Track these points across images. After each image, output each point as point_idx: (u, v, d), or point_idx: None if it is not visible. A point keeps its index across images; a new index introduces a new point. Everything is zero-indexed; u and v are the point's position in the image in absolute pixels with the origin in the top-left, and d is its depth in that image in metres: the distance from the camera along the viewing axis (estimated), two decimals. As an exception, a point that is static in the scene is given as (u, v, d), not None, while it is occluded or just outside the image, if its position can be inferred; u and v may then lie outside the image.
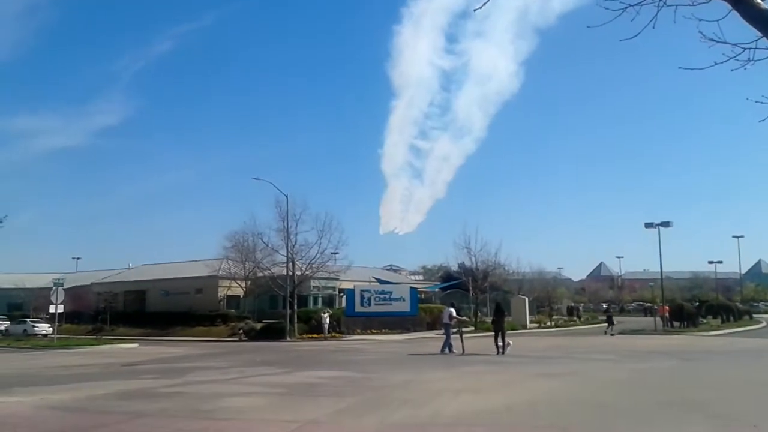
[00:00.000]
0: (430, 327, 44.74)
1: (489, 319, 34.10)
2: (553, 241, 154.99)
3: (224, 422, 9.61)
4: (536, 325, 53.40)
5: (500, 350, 23.64)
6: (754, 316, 62.39)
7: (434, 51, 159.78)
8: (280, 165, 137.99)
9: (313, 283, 52.58)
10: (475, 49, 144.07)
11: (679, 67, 5.83)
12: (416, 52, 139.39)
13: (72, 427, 9.39)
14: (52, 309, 38.50)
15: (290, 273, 43.15)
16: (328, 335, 40.80)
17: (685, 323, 45.67)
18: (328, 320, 41.79)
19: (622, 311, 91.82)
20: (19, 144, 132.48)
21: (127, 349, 35.23)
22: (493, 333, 25.52)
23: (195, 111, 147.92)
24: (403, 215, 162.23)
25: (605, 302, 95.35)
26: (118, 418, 10.04)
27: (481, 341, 27.36)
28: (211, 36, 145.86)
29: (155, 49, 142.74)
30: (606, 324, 40.65)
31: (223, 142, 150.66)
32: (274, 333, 42.23)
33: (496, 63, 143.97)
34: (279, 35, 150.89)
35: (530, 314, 55.62)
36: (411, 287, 52.47)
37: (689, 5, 4.76)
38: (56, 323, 40.18)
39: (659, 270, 48.27)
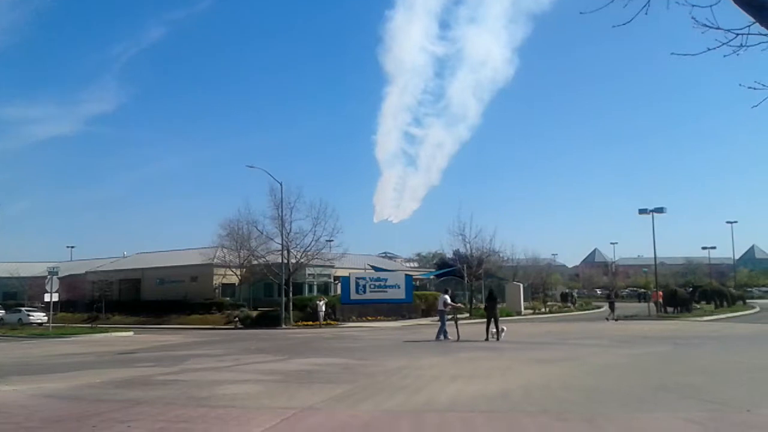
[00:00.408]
0: (425, 314, 44.93)
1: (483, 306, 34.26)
2: (548, 228, 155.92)
3: (221, 409, 9.63)
4: (531, 311, 53.66)
5: (491, 336, 23.78)
6: (748, 301, 62.67)
7: (427, 37, 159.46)
8: (274, 154, 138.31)
9: (308, 270, 52.68)
10: (468, 35, 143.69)
11: (672, 53, 5.84)
12: (409, 38, 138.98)
13: (67, 416, 9.40)
14: (47, 298, 38.50)
15: (285, 261, 43.18)
16: (324, 323, 40.88)
17: (679, 309, 45.91)
18: (323, 308, 41.80)
19: (616, 297, 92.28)
20: (13, 132, 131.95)
21: (123, 337, 35.29)
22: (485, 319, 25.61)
23: (189, 98, 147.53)
24: (398, 203, 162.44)
25: (600, 288, 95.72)
26: (114, 406, 10.06)
27: (476, 328, 27.45)
28: (204, 22, 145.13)
29: (149, 35, 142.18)
30: (609, 310, 40.89)
31: (217, 129, 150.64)
32: (269, 321, 42.33)
33: (490, 49, 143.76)
34: (272, 22, 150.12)
35: (525, 300, 55.87)
36: (406, 274, 52.56)
37: (681, -10, 4.74)
38: (51, 312, 40.16)
39: (653, 256, 48.57)
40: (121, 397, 11.08)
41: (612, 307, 40.86)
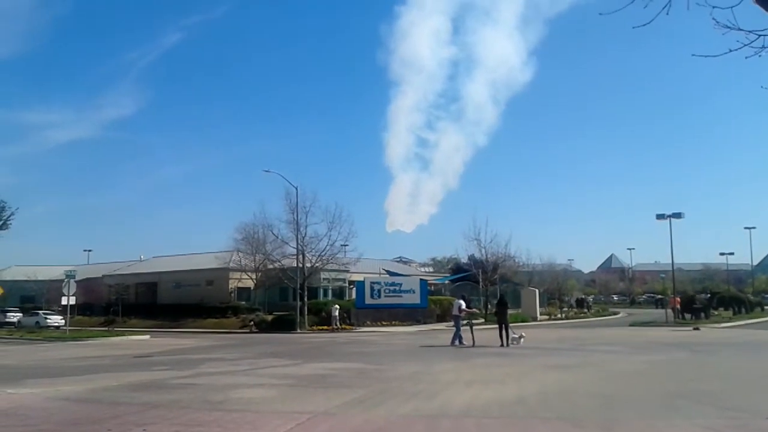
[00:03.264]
0: (440, 319, 44.81)
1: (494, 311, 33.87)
2: (564, 233, 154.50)
3: (235, 413, 9.64)
4: (546, 317, 53.35)
5: (504, 342, 23.59)
6: (766, 308, 61.95)
7: (442, 40, 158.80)
8: (289, 159, 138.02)
9: (323, 275, 52.68)
10: (483, 37, 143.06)
11: (693, 54, 5.79)
12: (424, 42, 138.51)
13: (84, 419, 9.45)
14: (64, 301, 38.74)
15: (300, 265, 43.23)
16: (339, 327, 40.88)
17: (697, 315, 45.37)
18: (337, 313, 41.84)
19: (633, 303, 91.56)
20: (32, 137, 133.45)
21: (139, 340, 35.50)
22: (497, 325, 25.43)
23: (204, 104, 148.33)
24: (412, 208, 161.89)
25: (616, 294, 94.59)
26: (130, 409, 10.10)
27: (491, 333, 27.25)
28: (221, 27, 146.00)
29: (166, 40, 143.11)
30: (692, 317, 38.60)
31: (232, 134, 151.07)
32: (284, 325, 42.41)
33: (505, 52, 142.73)
34: (285, 27, 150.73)
35: (540, 306, 55.52)
36: (421, 279, 52.46)
37: (702, -9, 4.69)
38: (68, 315, 40.39)
39: (670, 261, 47.99)
40: (136, 401, 11.12)
41: (697, 314, 37.87)
